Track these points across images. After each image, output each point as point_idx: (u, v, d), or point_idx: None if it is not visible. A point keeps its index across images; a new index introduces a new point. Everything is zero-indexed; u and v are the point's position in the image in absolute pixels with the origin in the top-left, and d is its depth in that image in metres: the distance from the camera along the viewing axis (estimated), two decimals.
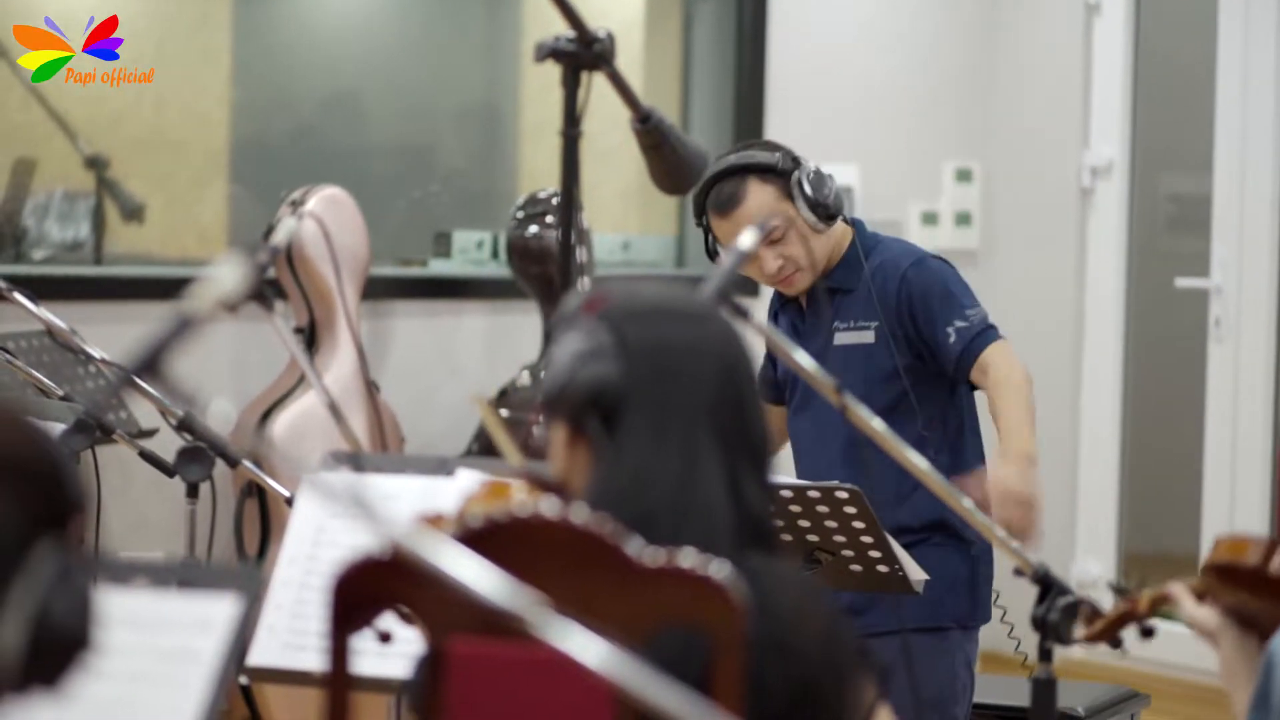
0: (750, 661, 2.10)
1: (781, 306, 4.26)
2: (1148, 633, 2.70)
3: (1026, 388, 4.01)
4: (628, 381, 2.30)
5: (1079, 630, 2.71)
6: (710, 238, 4.16)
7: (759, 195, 4.07)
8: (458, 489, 2.91)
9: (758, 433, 2.35)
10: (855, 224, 4.22)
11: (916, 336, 4.11)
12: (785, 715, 2.26)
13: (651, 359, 2.31)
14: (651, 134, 3.12)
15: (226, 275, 2.03)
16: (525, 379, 6.01)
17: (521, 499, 2.35)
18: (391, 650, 2.53)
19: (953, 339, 4.08)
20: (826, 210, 4.08)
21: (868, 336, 4.12)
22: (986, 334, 4.09)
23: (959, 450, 4.15)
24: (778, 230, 4.05)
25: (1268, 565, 2.52)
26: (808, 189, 4.06)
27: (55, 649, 1.76)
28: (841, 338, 4.13)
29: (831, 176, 4.13)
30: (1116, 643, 2.76)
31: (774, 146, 4.14)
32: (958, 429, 4.17)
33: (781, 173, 4.08)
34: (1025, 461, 3.87)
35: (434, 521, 2.39)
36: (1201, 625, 2.58)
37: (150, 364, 1.96)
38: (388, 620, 2.57)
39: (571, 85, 3.01)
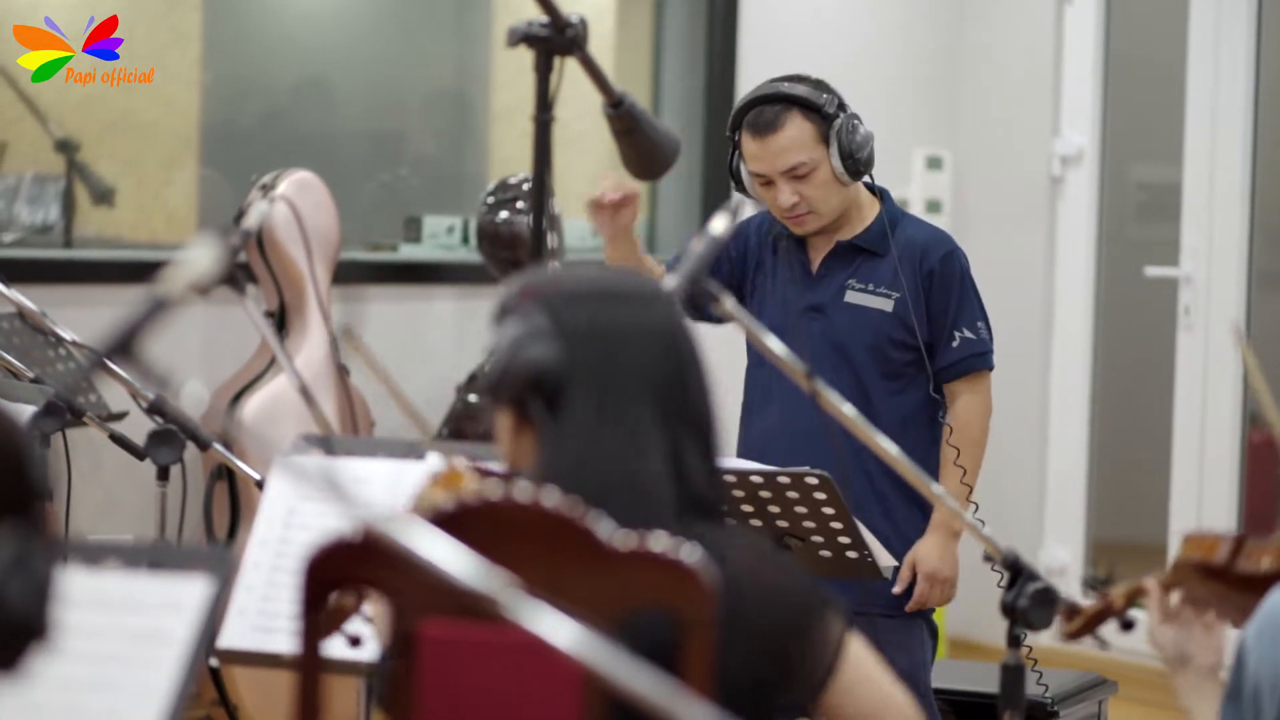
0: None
1: (777, 243, 4.22)
2: (1128, 625, 2.71)
3: (979, 445, 4.17)
4: (568, 362, 2.31)
5: (1060, 626, 2.73)
6: (736, 155, 4.15)
7: (797, 129, 4.08)
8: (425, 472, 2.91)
9: (702, 406, 2.38)
10: (883, 194, 4.23)
11: (927, 322, 4.15)
12: (754, 678, 2.29)
13: (590, 338, 2.33)
14: (624, 119, 3.12)
15: (199, 258, 2.03)
16: None
17: (474, 486, 2.36)
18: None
19: (956, 343, 4.17)
20: (856, 165, 4.09)
21: (885, 305, 4.14)
22: (984, 357, 4.20)
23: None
24: (803, 167, 4.06)
25: (1235, 563, 2.54)
26: (845, 139, 4.08)
27: (10, 632, 1.76)
28: (854, 297, 4.16)
29: (871, 135, 4.13)
30: (1098, 637, 2.77)
31: (825, 88, 4.14)
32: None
33: (825, 115, 4.09)
34: (948, 536, 4.10)
35: (449, 478, 2.40)
36: (1161, 649, 2.60)
37: (123, 346, 1.96)
38: (357, 624, 2.58)
39: (544, 70, 3.01)
